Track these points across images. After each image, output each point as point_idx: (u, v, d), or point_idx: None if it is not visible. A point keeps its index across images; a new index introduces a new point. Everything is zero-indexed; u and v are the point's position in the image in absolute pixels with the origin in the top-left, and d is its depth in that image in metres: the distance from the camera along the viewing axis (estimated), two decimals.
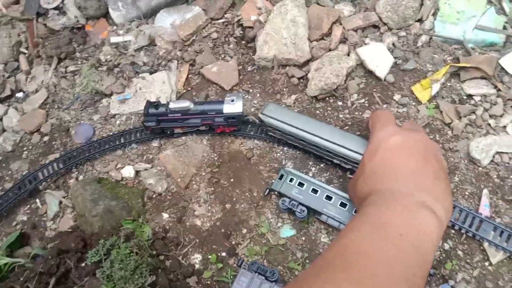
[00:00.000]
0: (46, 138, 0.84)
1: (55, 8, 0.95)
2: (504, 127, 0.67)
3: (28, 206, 0.77)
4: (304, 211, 0.64)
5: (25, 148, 0.84)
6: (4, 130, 0.86)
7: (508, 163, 0.64)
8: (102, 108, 0.85)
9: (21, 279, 0.58)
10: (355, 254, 0.43)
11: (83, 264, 0.60)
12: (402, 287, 0.40)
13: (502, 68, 0.69)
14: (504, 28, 0.71)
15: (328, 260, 0.44)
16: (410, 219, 0.46)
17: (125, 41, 0.88)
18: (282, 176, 0.68)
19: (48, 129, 0.84)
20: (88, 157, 0.78)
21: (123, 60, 0.86)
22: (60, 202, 0.75)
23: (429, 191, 0.48)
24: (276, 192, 0.69)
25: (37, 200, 0.77)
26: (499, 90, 0.68)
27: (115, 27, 0.92)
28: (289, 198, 0.66)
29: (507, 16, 0.72)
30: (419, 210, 0.46)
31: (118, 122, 0.83)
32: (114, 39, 0.89)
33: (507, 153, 0.65)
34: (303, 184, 0.67)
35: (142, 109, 0.78)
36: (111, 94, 0.85)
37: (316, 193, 0.65)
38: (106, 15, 0.94)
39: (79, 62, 0.91)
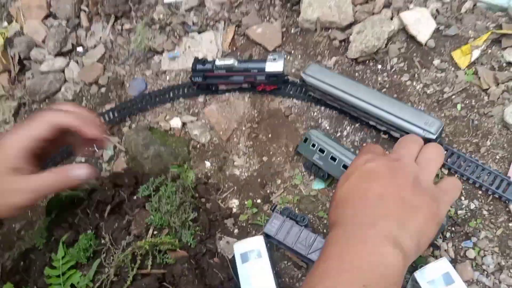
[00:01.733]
0: (103, 90, 0.92)
1: None
2: None
3: (86, 149, 0.85)
4: (324, 175, 0.68)
5: (84, 98, 0.92)
6: (65, 81, 0.95)
7: None
8: (154, 64, 0.91)
9: (81, 207, 0.67)
10: None
11: (135, 197, 0.67)
12: None
13: None
14: None
15: None
16: (372, 259, 0.42)
17: (177, 1, 0.94)
18: (306, 139, 0.71)
19: (105, 81, 0.92)
20: (140, 108, 0.86)
21: (174, 19, 0.92)
22: (115, 147, 0.84)
23: (395, 217, 0.45)
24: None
25: (94, 145, 0.85)
26: None
27: None
28: (311, 162, 0.70)
29: None
30: (381, 247, 0.43)
31: (168, 78, 0.89)
32: (167, 0, 0.95)
33: None
34: (323, 151, 0.68)
35: (190, 66, 0.83)
36: (162, 52, 0.91)
37: (334, 161, 0.67)
38: None
39: (134, 21, 0.98)
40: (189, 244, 0.65)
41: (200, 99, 0.84)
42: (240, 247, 0.64)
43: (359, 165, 0.50)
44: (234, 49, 0.88)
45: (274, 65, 0.75)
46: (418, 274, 0.56)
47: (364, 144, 0.71)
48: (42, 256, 0.63)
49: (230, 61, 0.77)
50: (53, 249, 0.63)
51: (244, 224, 0.71)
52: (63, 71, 0.96)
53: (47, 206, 0.71)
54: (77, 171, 0.54)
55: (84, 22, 1.01)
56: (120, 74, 0.92)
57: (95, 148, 0.59)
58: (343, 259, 0.43)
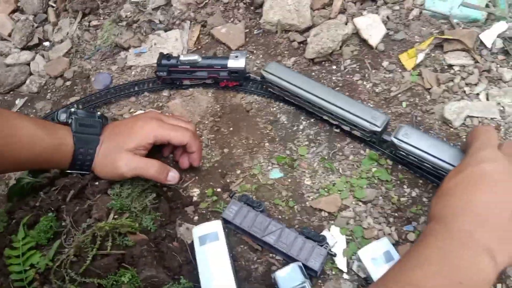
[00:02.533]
0: (68, 83, 0.93)
1: None
2: (477, 94, 0.74)
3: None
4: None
5: (49, 91, 0.94)
6: (31, 74, 0.96)
7: (476, 126, 0.72)
8: (120, 59, 0.94)
9: (44, 190, 0.68)
10: None
11: (97, 183, 0.69)
12: None
13: (482, 42, 0.76)
14: (487, 6, 0.78)
15: None
16: (471, 265, 0.45)
17: (144, 0, 0.97)
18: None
19: (71, 75, 0.94)
20: (105, 101, 0.88)
21: (141, 17, 0.95)
22: None
23: (495, 231, 0.45)
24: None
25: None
26: (476, 61, 0.76)
27: None
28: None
29: None
30: (480, 257, 0.45)
31: (133, 73, 0.92)
32: None
33: (477, 117, 0.72)
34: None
35: (155, 62, 0.86)
36: (128, 48, 0.94)
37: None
38: None
39: (102, 18, 1.00)
40: (149, 228, 0.67)
41: (165, 93, 0.87)
42: (198, 231, 0.67)
43: (473, 163, 0.49)
44: (199, 47, 0.92)
45: (236, 62, 0.80)
46: (361, 252, 0.61)
47: (479, 127, 0.65)
48: (2, 238, 0.64)
49: (194, 57, 0.81)
50: (14, 231, 0.64)
51: (204, 212, 0.74)
52: (28, 64, 0.97)
53: (8, 193, 0.72)
54: (172, 175, 0.71)
55: (52, 17, 1.02)
56: (86, 69, 0.94)
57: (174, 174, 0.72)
58: (444, 258, 0.45)
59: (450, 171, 0.53)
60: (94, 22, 0.99)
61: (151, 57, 0.92)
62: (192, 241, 0.68)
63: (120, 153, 0.67)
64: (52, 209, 0.65)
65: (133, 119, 0.73)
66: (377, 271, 0.60)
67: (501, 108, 0.73)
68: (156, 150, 0.75)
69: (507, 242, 0.45)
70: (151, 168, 0.68)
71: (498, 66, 0.75)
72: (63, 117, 0.71)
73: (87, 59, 0.96)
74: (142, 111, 0.85)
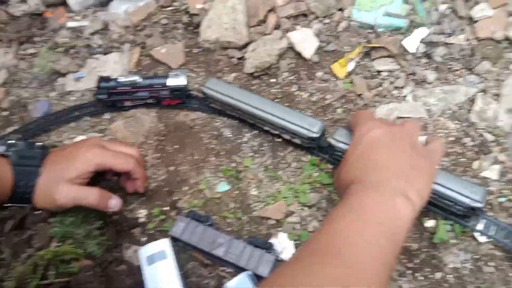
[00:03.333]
0: (5, 113, 0.90)
1: None
2: (405, 96, 0.79)
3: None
4: None
5: None
6: None
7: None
8: (59, 86, 0.92)
9: None
10: (344, 242, 0.49)
11: (38, 212, 0.67)
12: (382, 271, 0.48)
13: (406, 48, 0.82)
14: (408, 14, 0.84)
15: (321, 244, 0.51)
16: (387, 207, 0.52)
17: (81, 26, 0.97)
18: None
19: (8, 105, 0.91)
20: (44, 129, 0.85)
21: (79, 42, 0.94)
22: None
23: (404, 177, 0.54)
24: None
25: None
26: (402, 66, 0.81)
27: (72, 14, 1.00)
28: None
29: (411, 5, 0.85)
30: (395, 198, 0.52)
31: (73, 98, 0.90)
32: (71, 24, 0.97)
33: (406, 117, 0.77)
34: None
35: (95, 86, 0.86)
36: (67, 73, 0.93)
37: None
38: (64, 3, 1.01)
39: (38, 46, 0.98)
40: (95, 253, 0.66)
41: (106, 116, 0.87)
42: (146, 251, 0.67)
43: (365, 133, 0.59)
44: (140, 68, 0.93)
45: (177, 80, 0.81)
46: None
47: (354, 113, 0.77)
48: None
49: (134, 78, 0.81)
50: None
51: (152, 232, 0.74)
52: None
53: None
54: (114, 202, 0.70)
55: None
56: (24, 97, 0.92)
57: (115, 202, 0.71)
58: (363, 206, 0.52)
59: (348, 148, 0.62)
60: (30, 50, 0.97)
61: (90, 81, 0.91)
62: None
63: (59, 184, 0.66)
64: None
65: (73, 146, 0.72)
66: None
67: (427, 108, 0.78)
68: (99, 174, 0.74)
69: (414, 183, 0.54)
70: (90, 197, 0.67)
71: (422, 69, 0.81)
72: (2, 149, 0.69)
73: (24, 87, 0.93)
74: (83, 137, 0.84)
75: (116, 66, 0.92)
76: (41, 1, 1.01)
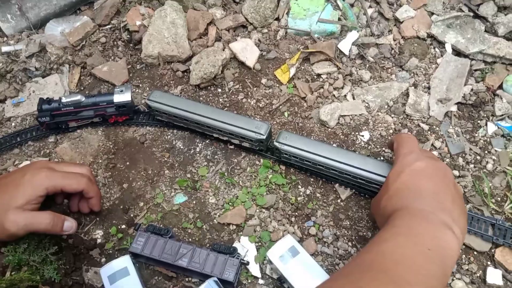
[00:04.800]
0: None
1: None
2: (345, 96, 0.84)
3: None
4: None
5: None
6: None
7: (349, 123, 0.81)
8: None
9: None
10: (392, 261, 0.49)
11: None
12: None
13: (341, 51, 0.87)
14: (339, 19, 0.90)
15: (367, 262, 0.51)
16: (438, 236, 0.52)
17: (16, 50, 0.93)
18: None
19: None
20: None
21: (15, 67, 0.91)
22: None
23: (449, 213, 0.54)
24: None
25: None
26: (339, 68, 0.86)
27: (5, 38, 0.97)
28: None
29: (341, 10, 0.91)
30: (443, 229, 0.52)
31: (13, 124, 0.87)
32: (5, 49, 0.93)
33: (348, 115, 0.82)
34: None
35: (36, 109, 0.83)
36: (5, 99, 0.89)
37: None
38: None
39: None
40: (53, 279, 0.64)
41: (51, 139, 0.84)
42: (107, 270, 0.65)
43: (409, 164, 0.59)
44: (82, 88, 0.91)
45: (122, 96, 0.80)
46: (269, 254, 0.64)
47: (396, 134, 0.75)
48: None
49: (77, 97, 0.79)
50: None
51: (111, 251, 0.72)
52: None
53: None
54: (68, 224, 0.67)
55: None
56: None
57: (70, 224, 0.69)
58: (413, 230, 0.52)
59: (389, 175, 0.61)
60: None
61: (31, 105, 0.88)
62: (102, 285, 0.66)
63: (7, 212, 0.62)
64: None
65: (20, 172, 0.69)
66: (286, 267, 0.63)
67: (366, 105, 0.83)
68: (49, 198, 0.71)
69: (458, 221, 0.54)
70: (43, 222, 0.64)
71: (357, 69, 0.87)
72: None
73: None
74: (29, 162, 0.81)
75: (57, 88, 0.89)
76: None
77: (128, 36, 0.96)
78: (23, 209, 0.63)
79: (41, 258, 0.64)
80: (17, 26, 0.97)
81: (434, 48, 0.88)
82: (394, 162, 0.63)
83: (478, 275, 0.66)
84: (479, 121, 0.80)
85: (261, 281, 0.67)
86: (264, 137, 0.72)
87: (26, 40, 0.95)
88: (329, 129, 0.81)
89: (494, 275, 0.65)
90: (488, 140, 0.78)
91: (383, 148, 0.79)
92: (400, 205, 0.57)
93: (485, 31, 0.87)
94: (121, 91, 0.81)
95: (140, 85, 0.91)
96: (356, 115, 0.82)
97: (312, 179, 0.76)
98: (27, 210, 0.64)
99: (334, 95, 0.84)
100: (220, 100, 0.87)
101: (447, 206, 0.55)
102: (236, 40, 0.93)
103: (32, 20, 0.97)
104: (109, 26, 0.97)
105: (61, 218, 0.67)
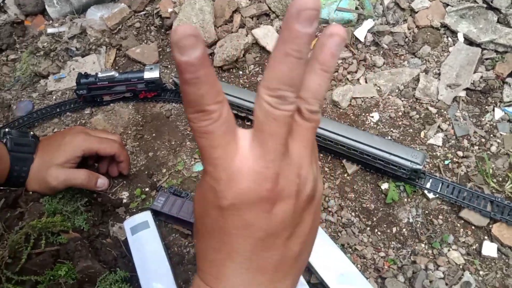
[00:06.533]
0: None
1: None
2: (358, 79, 0.89)
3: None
4: None
5: None
6: None
7: (360, 105, 0.86)
8: (40, 87, 0.98)
9: None
10: None
11: (30, 192, 0.73)
12: None
13: (356, 38, 0.92)
14: (356, 8, 0.95)
15: None
16: None
17: (60, 32, 1.03)
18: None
19: None
20: (27, 125, 0.91)
21: (58, 46, 1.01)
22: None
23: None
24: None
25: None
26: (354, 54, 0.91)
27: (51, 21, 1.07)
28: None
29: (359, 0, 0.96)
30: None
31: (54, 97, 0.97)
32: (50, 30, 1.04)
33: (359, 97, 0.86)
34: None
35: (75, 85, 0.92)
36: (48, 75, 0.99)
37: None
38: (43, 12, 1.08)
39: (19, 51, 1.04)
40: (82, 228, 0.72)
41: (87, 111, 0.93)
42: (129, 222, 0.73)
43: None
44: (117, 67, 1.00)
45: (151, 73, 0.88)
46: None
47: None
48: None
49: (111, 73, 0.88)
50: None
51: (134, 211, 0.79)
52: None
53: None
54: (102, 181, 0.76)
55: None
56: (7, 99, 0.97)
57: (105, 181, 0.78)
58: None
59: None
60: (12, 56, 1.03)
61: (70, 81, 0.97)
62: (126, 238, 0.73)
63: (50, 168, 0.71)
64: None
65: (60, 135, 0.78)
66: None
67: (378, 88, 0.88)
68: (82, 160, 0.80)
69: None
70: (80, 177, 0.73)
71: (371, 55, 0.91)
72: None
73: (7, 90, 0.99)
74: None
75: (94, 67, 0.98)
76: (20, 11, 1.07)
77: (160, 22, 1.04)
78: (62, 167, 0.72)
79: (72, 209, 0.73)
80: (61, 10, 1.07)
81: (447, 37, 0.91)
82: None
83: (474, 247, 0.69)
84: (486, 107, 0.83)
85: None
86: None
87: (69, 23, 1.05)
88: (341, 110, 0.86)
89: (489, 248, 0.68)
90: (494, 124, 0.81)
91: (391, 129, 0.83)
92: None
93: (498, 22, 0.89)
94: (151, 68, 0.89)
95: (169, 66, 0.99)
96: (367, 98, 0.86)
97: (321, 155, 0.81)
98: (66, 167, 0.72)
99: (347, 79, 0.89)
100: (241, 81, 0.94)
101: None
102: (259, 27, 0.99)
103: (75, 6, 1.07)
104: (144, 13, 1.06)
105: (95, 175, 0.75)
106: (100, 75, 0.88)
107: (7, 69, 1.02)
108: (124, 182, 0.83)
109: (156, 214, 0.76)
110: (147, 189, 0.82)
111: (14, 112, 0.95)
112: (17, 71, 1.01)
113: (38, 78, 0.99)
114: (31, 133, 0.76)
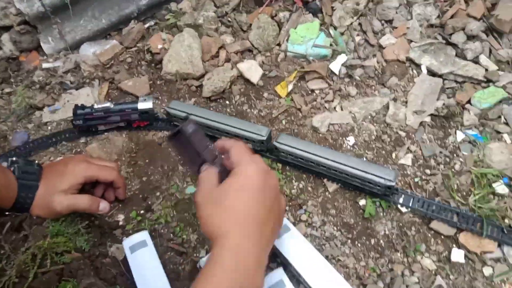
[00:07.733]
0: None
1: None
2: (334, 107, 0.98)
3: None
4: None
5: None
6: None
7: (337, 130, 0.95)
8: (36, 118, 1.03)
9: None
10: None
11: (35, 217, 0.76)
12: None
13: (332, 71, 1.02)
14: (331, 45, 1.06)
15: None
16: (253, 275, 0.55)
17: (55, 66, 1.10)
18: None
19: None
20: (24, 155, 0.95)
21: (53, 80, 1.06)
22: None
23: (267, 244, 0.59)
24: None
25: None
26: (330, 85, 1.01)
27: (45, 57, 1.13)
28: None
29: (333, 38, 1.07)
30: (259, 270, 0.56)
31: (49, 127, 1.02)
32: (45, 65, 1.10)
33: (336, 123, 0.95)
34: None
35: (70, 116, 0.97)
36: (43, 107, 1.04)
37: None
38: (37, 48, 1.14)
39: (14, 85, 1.09)
40: (83, 248, 0.76)
41: (82, 140, 0.98)
42: (128, 242, 0.77)
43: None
44: (110, 99, 1.06)
45: (145, 104, 0.95)
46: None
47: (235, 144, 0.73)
48: None
49: (106, 104, 0.94)
50: None
51: (131, 232, 0.84)
52: None
53: None
54: (103, 205, 0.81)
55: None
56: (2, 130, 1.01)
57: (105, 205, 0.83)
58: (222, 270, 0.54)
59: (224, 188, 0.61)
60: (7, 90, 1.08)
61: (65, 112, 1.02)
62: (124, 257, 0.77)
63: (54, 195, 0.76)
64: None
65: (63, 163, 0.82)
66: (279, 242, 0.75)
67: (353, 115, 0.97)
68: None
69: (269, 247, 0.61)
70: (83, 202, 0.78)
71: (346, 86, 1.01)
72: (5, 165, 0.78)
73: (2, 122, 1.03)
74: (61, 158, 0.94)
75: (88, 99, 1.04)
76: (16, 47, 1.13)
77: (151, 57, 1.12)
78: (66, 193, 0.77)
79: (74, 231, 0.77)
80: (56, 47, 1.13)
81: (412, 69, 1.03)
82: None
83: (444, 255, 0.77)
84: (449, 130, 0.93)
85: None
86: (265, 138, 0.86)
87: (63, 58, 1.11)
88: (320, 135, 0.94)
89: (457, 255, 0.76)
90: (457, 145, 0.91)
91: (366, 151, 0.92)
92: (220, 231, 0.56)
93: (456, 55, 1.01)
94: (145, 99, 0.95)
95: (160, 97, 1.06)
96: (343, 123, 0.95)
97: (304, 175, 0.89)
98: (69, 193, 0.77)
99: (325, 107, 0.98)
100: (228, 110, 1.02)
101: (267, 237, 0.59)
102: (243, 61, 1.08)
103: (69, 42, 1.13)
104: (135, 49, 1.14)
105: (97, 200, 0.80)
106: (96, 106, 0.94)
107: (2, 102, 1.06)
108: (120, 205, 0.88)
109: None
110: (142, 211, 0.87)
111: (10, 142, 0.99)
112: (12, 103, 1.05)
113: (33, 110, 1.04)
114: (36, 161, 0.81)
